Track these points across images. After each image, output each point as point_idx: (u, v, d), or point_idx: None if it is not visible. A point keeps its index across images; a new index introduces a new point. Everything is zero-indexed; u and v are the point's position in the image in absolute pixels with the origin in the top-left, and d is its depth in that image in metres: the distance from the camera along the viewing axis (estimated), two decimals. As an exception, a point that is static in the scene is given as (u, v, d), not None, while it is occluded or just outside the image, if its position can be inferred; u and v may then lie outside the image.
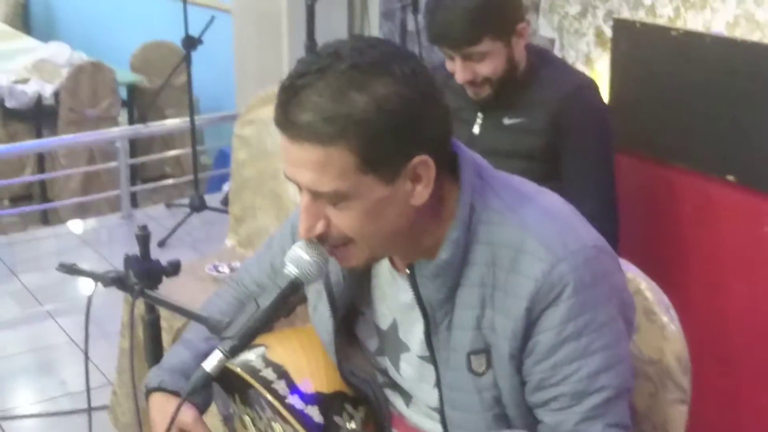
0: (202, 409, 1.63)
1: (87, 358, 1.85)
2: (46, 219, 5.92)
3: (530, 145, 2.36)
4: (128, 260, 1.74)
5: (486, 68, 2.32)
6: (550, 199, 1.44)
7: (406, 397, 1.55)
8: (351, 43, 1.31)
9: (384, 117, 1.25)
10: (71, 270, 1.81)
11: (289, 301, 1.44)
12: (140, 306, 1.87)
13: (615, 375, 1.34)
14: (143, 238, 1.79)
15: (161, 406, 1.56)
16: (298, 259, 1.37)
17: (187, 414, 1.56)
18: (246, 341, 1.40)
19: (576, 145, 2.36)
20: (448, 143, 1.38)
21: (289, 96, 1.28)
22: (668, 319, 1.66)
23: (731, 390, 2.49)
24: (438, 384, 1.45)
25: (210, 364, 1.38)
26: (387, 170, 1.28)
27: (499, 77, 2.34)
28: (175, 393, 1.59)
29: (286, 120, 1.27)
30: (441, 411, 1.47)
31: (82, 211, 5.80)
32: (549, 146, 2.36)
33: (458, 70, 2.33)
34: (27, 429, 3.40)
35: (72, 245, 5.03)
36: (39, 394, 3.57)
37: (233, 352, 1.39)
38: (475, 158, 1.43)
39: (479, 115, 2.45)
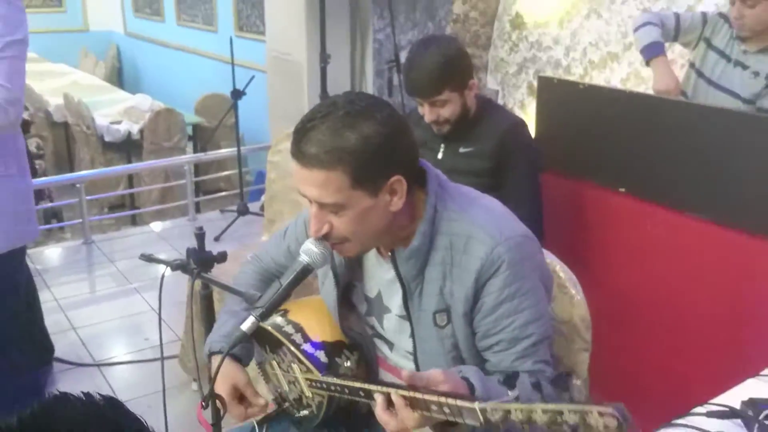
0: (247, 361, 1.63)
1: (161, 320, 1.86)
2: (134, 221, 5.93)
3: (480, 166, 2.37)
4: (189, 251, 1.75)
5: (446, 112, 2.33)
6: (490, 201, 1.46)
7: (389, 345, 1.56)
8: (345, 97, 1.33)
9: (369, 149, 1.27)
10: (150, 258, 1.82)
11: (304, 279, 1.45)
12: (198, 284, 1.86)
13: (539, 326, 1.36)
14: (200, 236, 1.78)
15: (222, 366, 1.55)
16: (309, 250, 1.39)
17: (240, 376, 1.55)
18: (272, 309, 1.42)
19: (513, 165, 2.37)
20: (416, 165, 1.39)
21: (301, 135, 1.30)
22: (575, 291, 1.69)
23: (620, 342, 2.51)
24: (412, 335, 1.46)
25: (246, 326, 1.39)
26: (372, 187, 1.31)
27: (456, 118, 2.35)
28: (230, 355, 1.57)
29: (299, 152, 1.29)
30: (414, 354, 1.48)
31: (160, 216, 5.80)
32: (493, 167, 2.36)
33: (426, 113, 2.34)
34: (120, 372, 3.39)
35: (152, 240, 5.02)
36: (129, 347, 3.58)
37: (262, 317, 1.40)
38: (438, 174, 1.45)
39: (442, 145, 2.45)
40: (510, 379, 1.02)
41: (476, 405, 1.03)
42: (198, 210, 5.76)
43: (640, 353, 2.50)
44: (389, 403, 1.17)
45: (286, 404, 1.67)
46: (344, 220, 1.33)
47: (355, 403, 1.58)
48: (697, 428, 1.38)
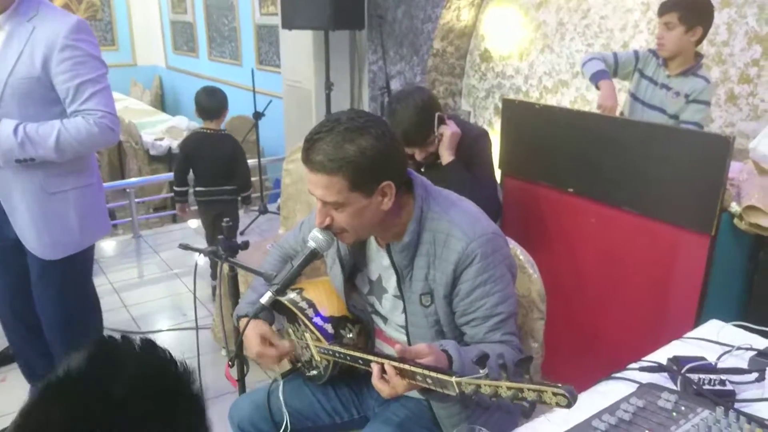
0: (271, 324, 1.60)
1: (195, 297, 1.86)
2: (175, 220, 5.81)
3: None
4: (218, 241, 1.75)
5: (433, 148, 2.29)
6: (467, 204, 1.44)
7: (384, 320, 1.55)
8: (347, 114, 1.31)
9: (365, 159, 1.26)
10: (187, 247, 1.83)
11: (312, 262, 1.45)
12: (226, 267, 1.86)
13: (506, 305, 1.35)
14: (228, 228, 1.79)
15: (248, 326, 1.54)
16: (315, 237, 1.39)
17: (264, 327, 1.54)
18: (286, 286, 1.42)
19: (479, 161, 2.33)
20: (404, 173, 1.38)
21: (309, 145, 1.29)
22: (532, 271, 1.68)
23: (569, 312, 2.51)
24: (404, 312, 1.45)
25: (264, 299, 1.41)
26: (366, 190, 1.31)
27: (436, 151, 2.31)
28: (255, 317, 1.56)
29: (307, 159, 1.29)
30: (406, 328, 1.47)
31: (196, 215, 5.67)
32: (467, 162, 2.32)
33: (417, 155, 2.29)
34: (162, 341, 3.35)
35: (189, 235, 4.99)
36: (170, 321, 3.56)
37: (278, 292, 1.41)
38: (423, 181, 1.44)
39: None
40: (481, 360, 1.02)
41: (453, 379, 1.03)
42: None
43: (585, 321, 2.49)
44: (383, 372, 1.17)
45: (299, 364, 1.67)
46: (344, 215, 1.33)
47: (355, 367, 1.61)
48: (631, 380, 1.38)
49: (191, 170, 3.59)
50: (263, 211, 4.93)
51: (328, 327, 1.48)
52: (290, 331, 1.62)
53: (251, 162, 5.50)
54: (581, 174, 2.41)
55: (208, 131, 3.59)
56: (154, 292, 3.95)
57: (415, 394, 1.52)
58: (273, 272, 1.51)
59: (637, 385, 1.33)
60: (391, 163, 1.32)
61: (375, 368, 1.17)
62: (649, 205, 2.20)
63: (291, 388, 1.67)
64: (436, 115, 2.23)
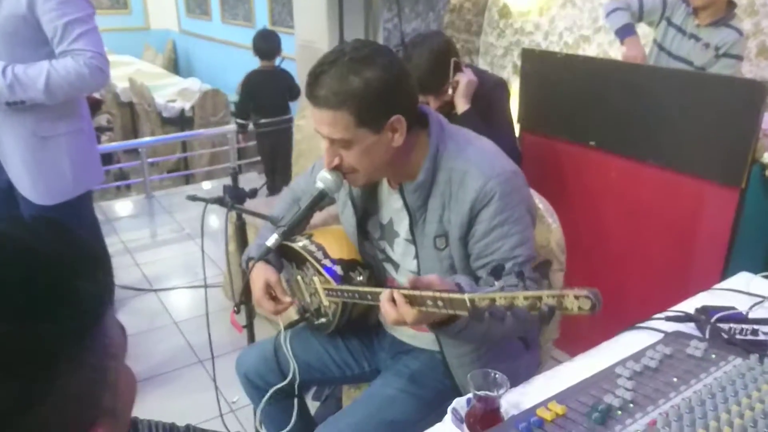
0: (278, 271, 1.57)
1: (203, 250, 1.83)
2: (188, 181, 5.88)
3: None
4: (225, 188, 1.74)
5: (448, 97, 2.19)
6: (484, 142, 1.37)
7: (396, 266, 1.49)
8: (352, 44, 1.24)
9: (371, 92, 1.19)
10: (194, 198, 1.79)
11: (320, 205, 1.40)
12: (234, 217, 1.83)
13: (524, 249, 1.28)
14: (234, 175, 1.75)
15: (255, 270, 1.51)
16: (324, 178, 1.34)
17: (272, 275, 1.50)
18: (292, 228, 1.37)
19: (496, 110, 2.25)
20: (415, 107, 1.30)
21: (313, 79, 1.23)
22: (552, 220, 1.62)
23: (590, 265, 2.46)
24: (417, 257, 1.39)
25: (270, 241, 1.37)
26: (375, 125, 1.23)
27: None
28: (264, 261, 1.52)
29: (312, 94, 1.22)
30: (418, 274, 1.41)
31: (209, 176, 5.76)
32: (484, 113, 2.23)
33: (431, 102, 2.19)
34: (174, 298, 3.35)
35: (204, 195, 4.98)
36: (182, 280, 3.54)
37: (284, 235, 1.36)
38: (439, 117, 1.37)
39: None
40: (496, 270, 0.95)
41: (466, 296, 0.98)
42: (240, 171, 5.69)
43: (607, 276, 2.43)
44: (392, 300, 1.12)
45: (308, 314, 1.63)
46: (352, 153, 1.26)
47: (365, 317, 1.58)
48: (656, 329, 1.32)
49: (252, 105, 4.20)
50: (266, 180, 4.85)
51: (338, 269, 1.44)
52: (299, 278, 1.58)
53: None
54: (604, 127, 2.32)
55: (265, 69, 4.24)
56: (167, 252, 3.93)
57: (427, 344, 1.50)
58: (279, 215, 1.44)
59: (662, 334, 1.28)
60: (401, 96, 1.25)
61: (385, 293, 1.13)
62: (674, 158, 2.11)
63: (299, 339, 1.64)
64: (452, 61, 2.14)
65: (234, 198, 1.72)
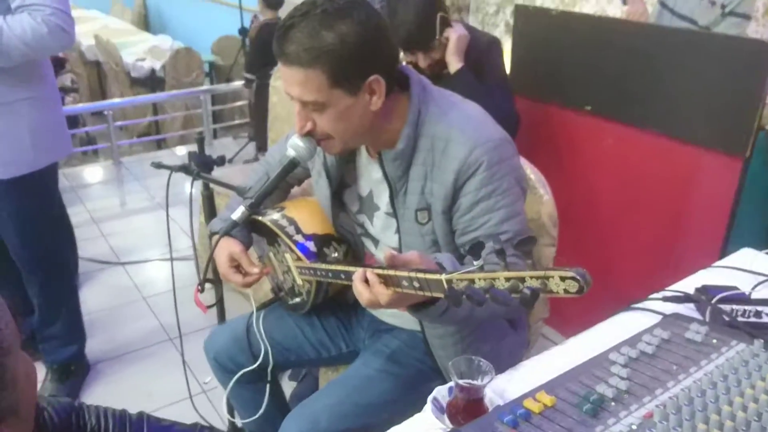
0: (246, 247, 1.53)
1: (168, 224, 1.79)
2: (160, 146, 5.79)
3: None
4: (190, 155, 1.67)
5: (438, 54, 2.14)
6: (470, 105, 1.31)
7: (376, 242, 1.45)
8: None
9: (346, 48, 1.13)
10: (159, 165, 1.74)
11: (295, 175, 1.38)
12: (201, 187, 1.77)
13: (513, 223, 1.24)
14: (199, 141, 1.69)
15: (219, 244, 1.46)
16: (295, 145, 1.28)
17: (236, 247, 1.46)
18: (260, 200, 1.32)
19: (491, 71, 2.20)
20: (395, 66, 1.24)
21: (281, 33, 1.16)
22: (544, 191, 1.58)
23: (582, 239, 2.44)
24: (398, 231, 1.35)
25: (236, 214, 1.33)
26: (350, 86, 1.18)
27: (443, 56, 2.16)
28: (227, 235, 1.48)
29: (280, 50, 1.16)
30: (399, 250, 1.37)
31: (183, 141, 5.68)
32: (477, 75, 2.18)
33: (421, 60, 2.14)
34: (143, 272, 3.31)
35: (175, 162, 4.88)
36: (152, 252, 3.49)
37: (251, 208, 1.32)
38: (421, 79, 1.31)
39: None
40: (476, 248, 0.90)
41: (442, 276, 0.93)
42: (215, 136, 5.62)
43: (600, 251, 2.41)
44: (366, 280, 1.08)
45: (282, 293, 1.60)
46: (326, 118, 1.21)
47: (343, 294, 1.56)
48: (653, 311, 1.29)
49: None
50: (252, 137, 4.78)
51: (311, 245, 1.40)
52: (271, 255, 1.54)
53: (238, 84, 5.41)
54: (600, 91, 2.27)
55: (272, 22, 4.26)
56: (136, 222, 3.86)
57: (408, 324, 1.48)
58: (245, 186, 1.39)
59: (660, 317, 1.24)
60: (379, 53, 1.18)
61: (357, 273, 1.09)
62: (674, 125, 2.07)
63: (273, 318, 1.61)
64: (439, 15, 2.07)
65: (200, 166, 1.66)
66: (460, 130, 1.23)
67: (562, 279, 0.77)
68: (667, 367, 1.03)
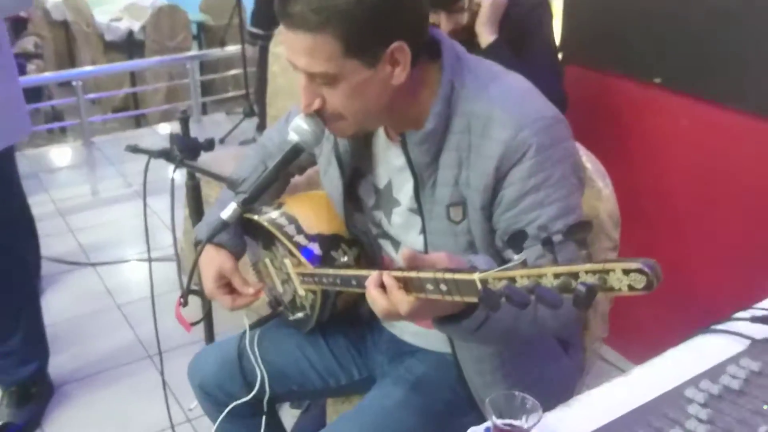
0: (238, 255, 1.54)
1: (146, 212, 1.83)
2: (139, 123, 5.86)
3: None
4: (172, 138, 1.67)
5: (464, 18, 2.11)
6: (515, 77, 1.31)
7: (396, 244, 1.45)
8: None
9: (363, 8, 1.12)
10: (135, 149, 1.76)
11: (297, 162, 1.38)
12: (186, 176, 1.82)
13: (570, 220, 1.22)
14: (183, 120, 1.70)
15: (206, 255, 1.49)
16: (298, 128, 1.28)
17: (226, 261, 1.48)
18: (255, 194, 1.33)
19: (535, 40, 2.18)
20: (423, 31, 1.24)
21: None
22: (603, 184, 1.56)
23: (650, 242, 2.45)
24: (423, 231, 1.35)
25: (226, 213, 1.33)
26: (368, 55, 1.17)
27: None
28: (216, 244, 1.50)
29: (284, 11, 1.16)
30: (425, 254, 1.32)
31: (166, 117, 5.72)
32: (517, 44, 2.16)
33: (443, 22, 2.10)
34: (121, 272, 3.36)
35: (158, 142, 4.90)
36: (129, 251, 3.53)
37: (245, 203, 1.32)
38: (455, 45, 1.30)
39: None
40: (515, 240, 0.88)
41: (476, 275, 0.91)
42: (204, 111, 5.68)
43: (673, 257, 2.39)
44: (382, 284, 1.08)
45: (281, 308, 1.60)
46: (338, 93, 1.20)
47: (354, 308, 1.57)
48: (739, 334, 1.27)
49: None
50: (249, 113, 4.83)
51: (315, 247, 1.41)
52: (267, 261, 1.55)
53: (233, 49, 5.43)
54: (674, 59, 2.25)
55: None
56: (110, 214, 3.90)
57: (436, 345, 1.49)
58: (240, 177, 1.41)
59: (748, 342, 1.23)
60: (404, 15, 1.17)
61: (371, 277, 1.09)
62: (765, 101, 2.05)
63: (270, 340, 1.62)
64: None
65: (184, 151, 1.67)
66: (504, 106, 1.22)
67: (626, 272, 0.75)
68: (757, 408, 1.02)
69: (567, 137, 1.27)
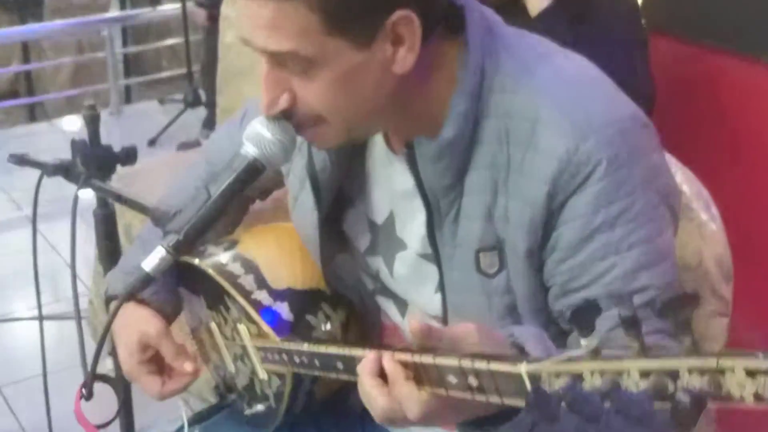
0: (170, 316, 1.58)
1: (35, 253, 1.92)
2: (33, 115, 5.94)
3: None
4: (75, 146, 1.71)
5: None
6: (574, 59, 1.32)
7: (401, 304, 1.47)
8: None
9: None
10: (22, 160, 1.79)
11: (257, 184, 1.38)
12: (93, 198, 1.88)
13: (659, 273, 1.23)
14: (91, 118, 1.70)
15: (123, 313, 1.47)
16: (257, 136, 1.27)
17: (151, 326, 1.52)
18: (193, 236, 1.33)
19: (605, 6, 2.28)
20: None
21: None
22: (708, 217, 1.58)
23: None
24: (441, 287, 1.36)
25: (150, 263, 1.31)
26: (359, 31, 1.18)
27: None
28: (139, 300, 1.53)
29: None
30: (444, 320, 1.38)
31: (72, 107, 5.76)
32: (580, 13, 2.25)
33: None
34: (10, 333, 3.42)
35: (59, 144, 4.96)
36: (18, 302, 3.59)
37: (177, 249, 1.32)
38: (485, 12, 1.31)
39: None
40: (584, 315, 0.86)
41: (522, 367, 0.91)
42: (128, 99, 5.76)
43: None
44: (382, 373, 1.09)
45: (233, 396, 1.64)
46: (315, 86, 1.20)
47: (341, 399, 1.58)
48: None
49: None
50: (192, 101, 4.90)
51: (283, 308, 1.44)
52: (213, 327, 1.58)
53: (170, 8, 5.46)
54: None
55: None
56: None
57: None
58: (170, 209, 1.40)
59: None
60: None
61: (366, 362, 1.10)
62: None
63: None
64: None
65: (91, 165, 1.68)
66: (557, 103, 1.23)
67: (751, 373, 0.73)
68: None
69: (653, 148, 1.27)
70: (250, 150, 1.27)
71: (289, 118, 1.25)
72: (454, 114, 1.25)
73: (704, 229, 1.56)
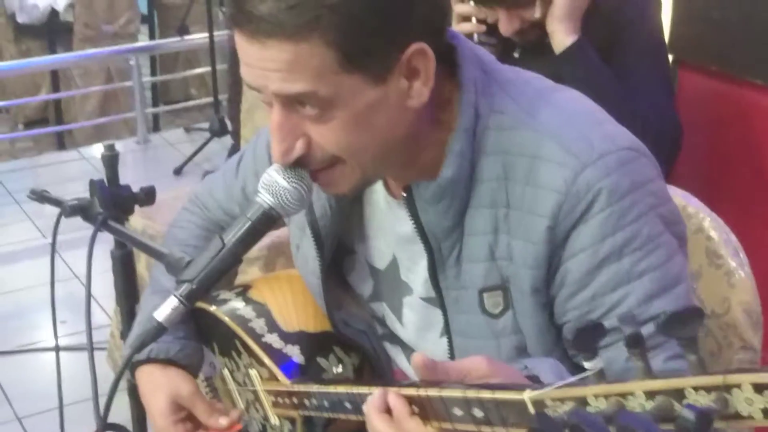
0: (197, 370, 1.62)
1: (53, 291, 1.91)
2: (62, 143, 5.95)
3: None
4: (93, 186, 1.69)
5: (529, 14, 2.19)
6: (570, 95, 1.35)
7: (407, 350, 1.48)
8: None
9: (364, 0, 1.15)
10: (42, 197, 1.81)
11: (265, 234, 1.38)
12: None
13: (672, 298, 1.23)
14: (110, 159, 1.73)
15: (148, 378, 1.54)
16: (273, 184, 1.27)
17: (182, 387, 1.53)
18: (207, 285, 1.33)
19: (635, 42, 2.25)
20: (444, 28, 1.27)
21: None
22: (737, 264, 1.58)
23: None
24: (447, 331, 1.38)
25: (163, 313, 1.30)
26: (376, 65, 1.18)
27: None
28: (163, 361, 1.55)
29: (241, 13, 1.16)
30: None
31: (100, 136, 5.79)
32: (608, 48, 2.23)
33: (503, 22, 2.18)
34: (20, 366, 3.42)
35: (87, 172, 5.06)
36: (35, 332, 3.57)
37: (191, 299, 1.31)
38: (476, 51, 1.33)
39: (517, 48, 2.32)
40: (587, 336, 0.87)
41: (525, 394, 0.92)
42: (156, 127, 5.78)
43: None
44: (388, 409, 1.11)
45: None
46: (332, 127, 1.20)
47: None
48: None
49: None
50: (218, 130, 4.90)
51: (294, 351, 1.44)
52: (225, 372, 1.60)
53: (198, 38, 5.49)
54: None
55: None
56: (14, 278, 3.95)
57: None
58: (184, 256, 1.40)
59: None
60: (421, 4, 1.19)
61: (373, 399, 1.12)
62: None
63: None
64: None
65: (110, 206, 1.67)
66: (555, 136, 1.24)
67: (758, 389, 0.72)
68: None
69: (653, 177, 1.27)
70: (266, 199, 1.27)
71: (305, 165, 1.25)
72: (451, 154, 1.26)
73: (732, 277, 1.56)
